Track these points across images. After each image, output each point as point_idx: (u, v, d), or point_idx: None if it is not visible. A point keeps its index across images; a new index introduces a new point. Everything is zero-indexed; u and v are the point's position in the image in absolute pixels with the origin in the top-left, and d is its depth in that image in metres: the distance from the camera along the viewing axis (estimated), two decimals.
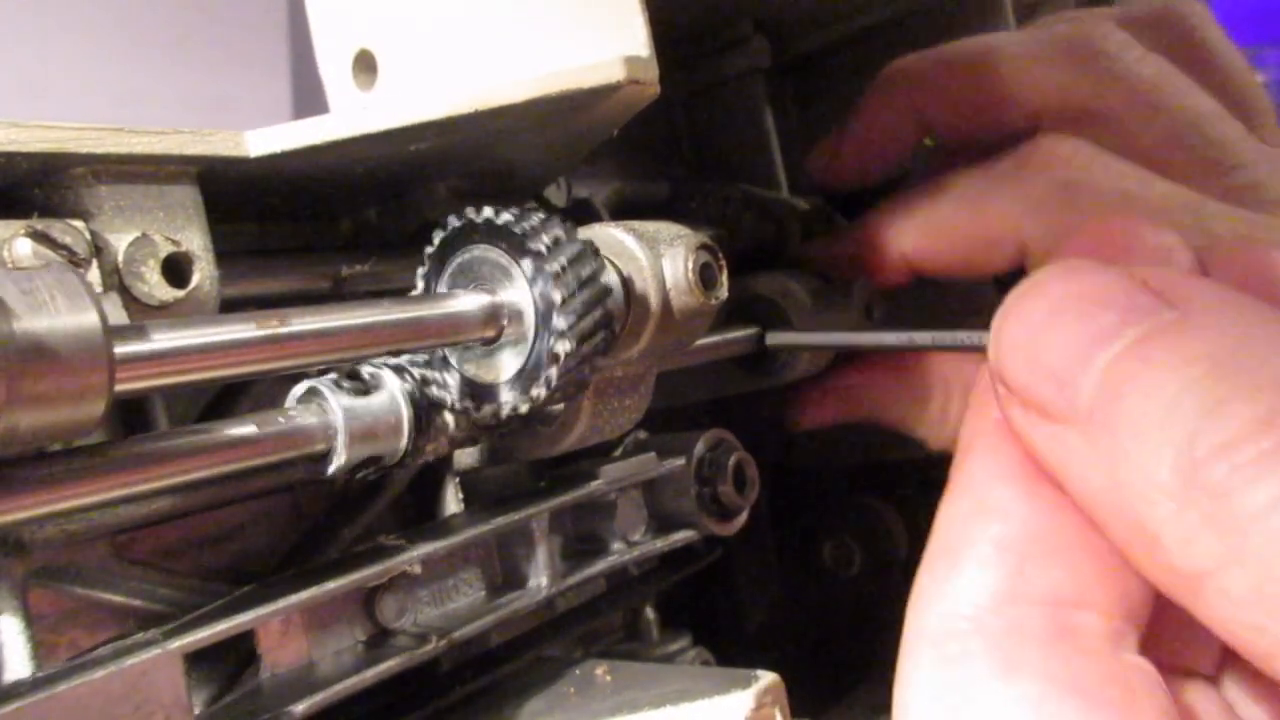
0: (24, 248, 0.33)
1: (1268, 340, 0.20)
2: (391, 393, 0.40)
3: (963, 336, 0.35)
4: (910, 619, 0.25)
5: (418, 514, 0.52)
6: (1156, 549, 0.20)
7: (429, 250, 0.41)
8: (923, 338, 0.37)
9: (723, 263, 0.48)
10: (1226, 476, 0.19)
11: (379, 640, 0.44)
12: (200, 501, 0.42)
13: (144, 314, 0.37)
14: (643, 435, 0.59)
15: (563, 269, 0.38)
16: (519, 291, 0.39)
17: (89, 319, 0.27)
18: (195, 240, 0.39)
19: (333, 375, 0.40)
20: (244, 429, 0.35)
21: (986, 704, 0.21)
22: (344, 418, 0.38)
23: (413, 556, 0.44)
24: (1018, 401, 0.24)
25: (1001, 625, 0.22)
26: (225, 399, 0.47)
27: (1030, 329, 0.23)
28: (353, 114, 0.41)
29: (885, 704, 0.27)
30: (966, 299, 0.71)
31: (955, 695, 0.22)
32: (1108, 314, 0.22)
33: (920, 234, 0.57)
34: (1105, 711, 0.20)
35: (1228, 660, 0.24)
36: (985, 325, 0.25)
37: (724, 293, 0.48)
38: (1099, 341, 0.22)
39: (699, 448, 0.59)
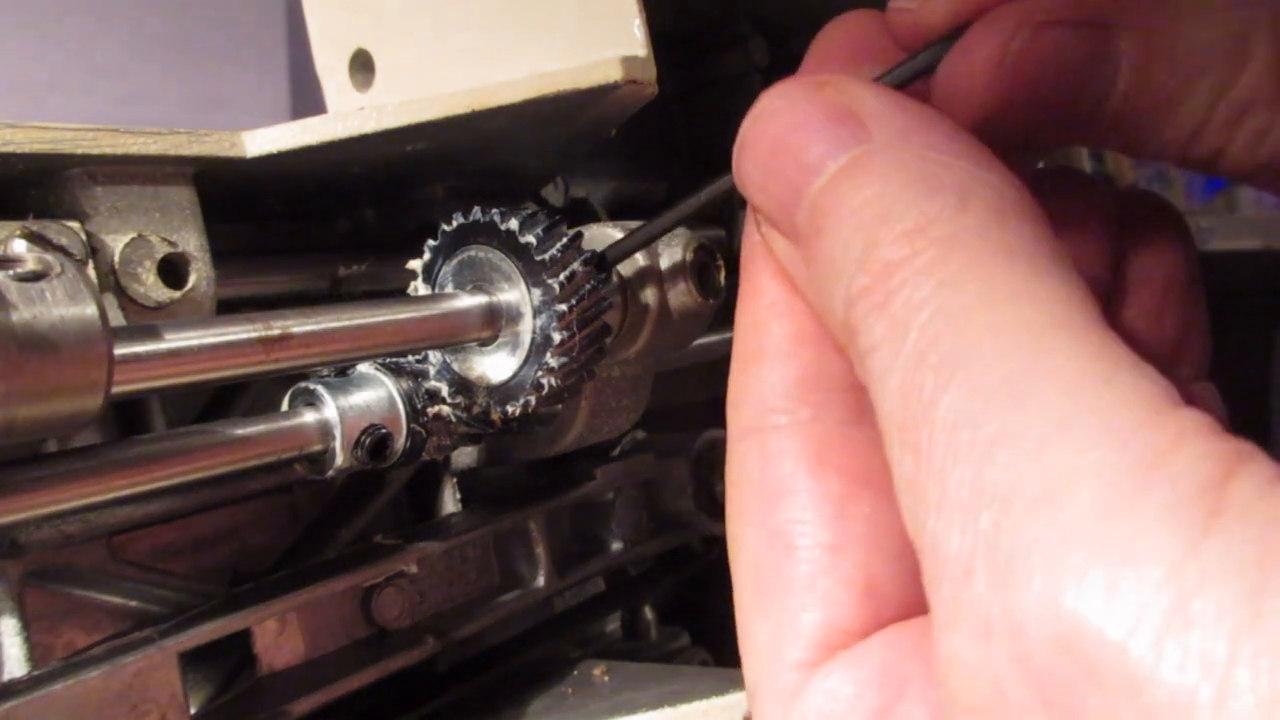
0: (19, 249, 0.33)
1: (927, 182, 0.22)
2: (388, 393, 0.40)
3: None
4: (730, 416, 0.27)
5: (415, 514, 0.52)
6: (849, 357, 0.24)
7: (431, 243, 0.41)
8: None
9: (720, 263, 0.48)
10: (861, 319, 0.22)
11: (376, 640, 0.44)
12: (197, 502, 0.42)
13: (140, 315, 0.37)
14: (641, 435, 0.59)
15: (565, 281, 0.38)
16: (518, 294, 0.39)
17: (88, 312, 0.27)
18: (192, 241, 0.38)
19: (330, 376, 0.40)
20: (241, 430, 0.35)
21: (799, 496, 0.25)
22: (341, 418, 0.38)
23: (409, 556, 0.44)
24: (761, 216, 0.27)
25: (809, 413, 0.26)
26: (222, 400, 0.47)
27: (759, 160, 0.26)
28: (350, 115, 0.41)
29: None
30: None
31: (773, 485, 0.25)
32: (815, 147, 0.24)
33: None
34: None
35: None
36: None
37: (722, 293, 0.48)
38: (808, 174, 0.24)
39: (696, 447, 0.59)
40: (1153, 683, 0.15)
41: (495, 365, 0.40)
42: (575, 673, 0.49)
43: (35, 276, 0.27)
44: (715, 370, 0.68)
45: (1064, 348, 0.19)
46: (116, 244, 0.36)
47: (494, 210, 0.39)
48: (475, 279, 0.41)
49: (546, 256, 0.39)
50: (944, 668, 0.19)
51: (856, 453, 0.25)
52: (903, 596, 0.24)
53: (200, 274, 0.38)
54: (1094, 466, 0.17)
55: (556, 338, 0.38)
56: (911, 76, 0.27)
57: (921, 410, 0.20)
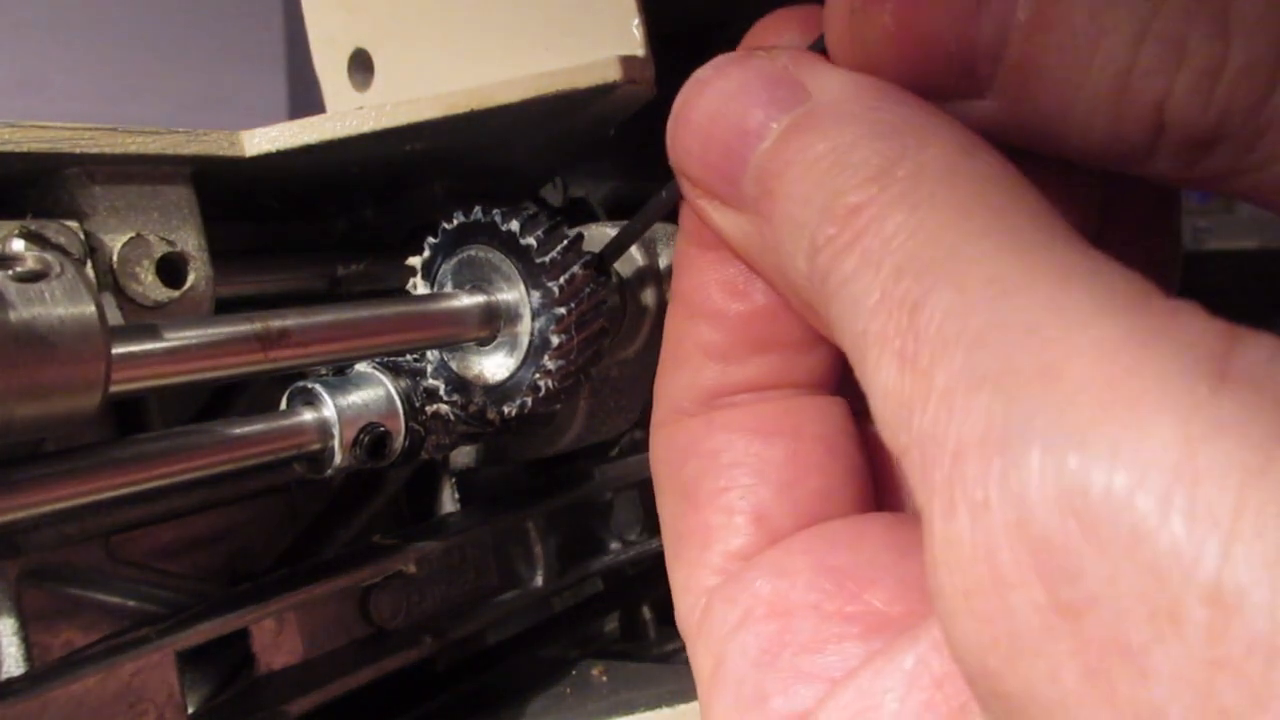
0: (18, 248, 0.33)
1: (880, 129, 0.22)
2: (387, 391, 0.40)
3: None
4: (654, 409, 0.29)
5: (414, 513, 0.52)
6: (813, 316, 0.24)
7: (431, 240, 0.41)
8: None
9: None
10: (830, 261, 0.21)
11: (374, 640, 0.44)
12: (195, 502, 0.42)
13: (138, 314, 0.37)
14: (639, 435, 0.59)
15: (565, 284, 0.38)
16: (517, 295, 0.39)
17: (86, 311, 0.27)
18: (190, 240, 0.38)
19: (328, 374, 0.40)
20: (239, 429, 0.35)
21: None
22: (340, 417, 0.38)
23: (408, 556, 0.44)
24: (700, 192, 0.26)
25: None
26: (221, 399, 0.47)
27: (696, 131, 0.26)
28: (348, 114, 0.41)
29: None
30: None
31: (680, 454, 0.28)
32: (755, 110, 0.24)
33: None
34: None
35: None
36: None
37: None
38: (750, 139, 0.24)
39: None
40: (1156, 536, 0.15)
41: (493, 365, 0.40)
42: (573, 673, 0.49)
43: (33, 276, 0.27)
44: None
45: (1047, 247, 0.19)
46: (115, 243, 0.36)
47: (495, 210, 0.39)
48: (474, 278, 0.41)
49: (547, 259, 0.39)
50: (936, 557, 0.18)
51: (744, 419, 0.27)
52: (795, 522, 0.26)
53: (198, 273, 0.38)
54: (1092, 341, 0.17)
55: (555, 341, 0.38)
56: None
57: (906, 316, 0.19)
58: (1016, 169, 0.21)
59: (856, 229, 0.21)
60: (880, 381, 0.20)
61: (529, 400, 0.39)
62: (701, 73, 0.26)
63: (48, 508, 0.30)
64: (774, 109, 0.24)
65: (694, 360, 0.28)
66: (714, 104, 0.25)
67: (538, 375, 0.39)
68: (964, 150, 0.21)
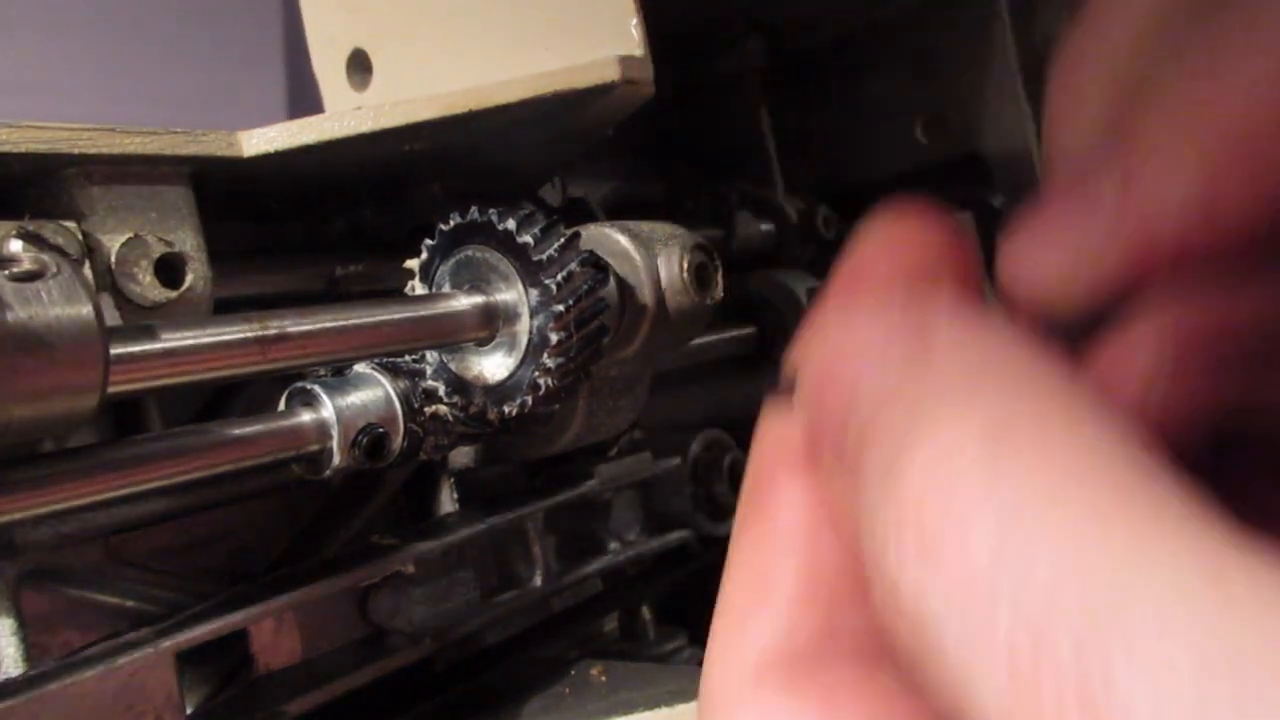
0: (15, 249, 0.33)
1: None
2: (385, 392, 0.40)
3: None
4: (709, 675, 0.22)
5: (413, 514, 0.52)
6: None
7: (428, 242, 0.41)
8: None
9: (718, 263, 0.48)
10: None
11: (373, 640, 0.44)
12: (194, 502, 0.42)
13: (137, 315, 0.37)
14: (638, 435, 0.59)
15: (562, 282, 0.38)
16: (515, 294, 0.39)
17: (84, 312, 0.27)
18: (188, 240, 0.38)
19: (327, 375, 0.40)
20: (238, 430, 0.35)
21: None
22: (338, 418, 0.38)
23: (406, 556, 0.44)
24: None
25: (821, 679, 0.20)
26: (220, 400, 0.47)
27: (809, 378, 0.22)
28: (347, 114, 0.41)
29: None
30: None
31: None
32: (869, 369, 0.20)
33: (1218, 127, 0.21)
34: None
35: None
36: None
37: (719, 292, 0.48)
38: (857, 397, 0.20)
39: (694, 448, 0.59)
40: None
41: (492, 365, 0.40)
42: (572, 673, 0.49)
43: (31, 276, 0.27)
44: (713, 370, 0.69)
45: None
46: (113, 244, 0.36)
47: (491, 210, 0.39)
48: (472, 279, 0.41)
49: (544, 256, 0.39)
50: None
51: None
52: None
53: (197, 274, 0.38)
54: None
55: (553, 338, 0.38)
56: None
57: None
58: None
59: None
60: None
61: (529, 399, 0.39)
62: (823, 316, 0.22)
63: (46, 508, 0.30)
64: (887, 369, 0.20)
65: (788, 596, 0.22)
66: (828, 354, 0.22)
67: (537, 374, 0.39)
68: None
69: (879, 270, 0.24)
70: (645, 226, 0.47)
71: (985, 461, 0.17)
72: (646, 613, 0.62)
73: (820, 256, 0.73)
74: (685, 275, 0.45)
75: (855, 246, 0.24)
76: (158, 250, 0.37)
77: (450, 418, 0.42)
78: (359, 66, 0.52)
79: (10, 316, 0.25)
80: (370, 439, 0.38)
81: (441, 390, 0.41)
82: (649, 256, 0.45)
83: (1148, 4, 0.22)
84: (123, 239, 0.36)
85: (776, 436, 0.24)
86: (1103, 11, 0.23)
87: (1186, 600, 0.15)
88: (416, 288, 0.42)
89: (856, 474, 0.19)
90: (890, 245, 0.24)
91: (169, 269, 0.38)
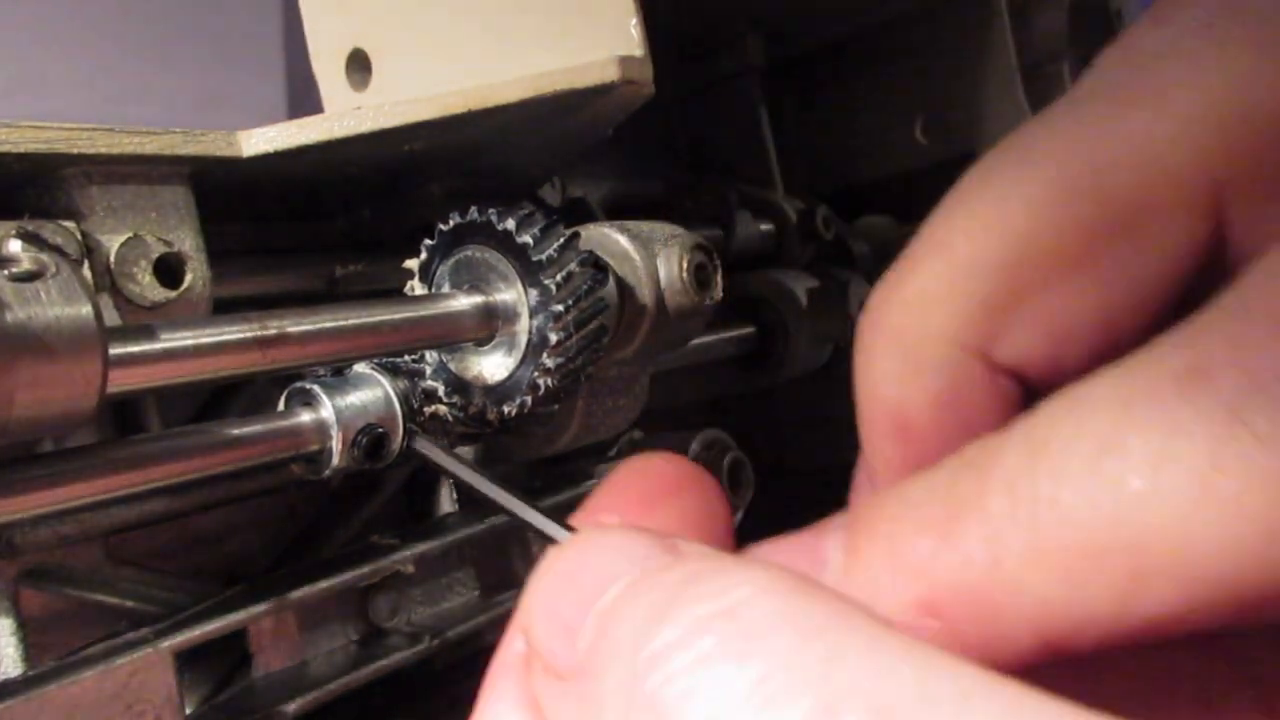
0: (15, 249, 0.33)
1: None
2: (385, 392, 0.40)
3: (548, 526, 0.30)
4: None
5: (412, 514, 0.52)
6: None
7: (428, 243, 0.41)
8: (520, 508, 0.31)
9: (717, 263, 0.48)
10: None
11: (372, 639, 0.44)
12: (193, 503, 0.42)
13: (136, 315, 0.37)
14: (638, 435, 0.59)
15: (562, 282, 0.38)
16: (514, 294, 0.39)
17: (83, 312, 0.27)
18: (187, 240, 0.38)
19: (326, 375, 0.40)
20: (237, 430, 0.35)
21: None
22: (338, 418, 0.38)
23: (406, 556, 0.44)
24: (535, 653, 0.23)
25: None
26: (219, 400, 0.47)
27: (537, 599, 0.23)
28: (346, 114, 0.41)
29: None
30: None
31: None
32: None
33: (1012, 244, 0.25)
34: None
35: None
36: None
37: (718, 293, 0.48)
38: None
39: (694, 448, 0.59)
40: None
41: (492, 365, 0.40)
42: None
43: (30, 276, 0.27)
44: (712, 370, 0.69)
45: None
46: (112, 244, 0.36)
47: (491, 210, 0.39)
48: (472, 279, 0.41)
49: (543, 256, 0.39)
50: None
51: None
52: None
53: (196, 274, 0.38)
54: None
55: (553, 338, 0.38)
56: None
57: None
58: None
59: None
60: None
61: (528, 399, 0.39)
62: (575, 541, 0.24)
63: (45, 508, 0.30)
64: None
65: None
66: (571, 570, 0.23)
67: (537, 374, 0.39)
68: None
69: (626, 497, 0.26)
70: (645, 226, 0.47)
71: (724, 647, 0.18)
72: None
73: (820, 256, 0.73)
74: (685, 275, 0.45)
75: (601, 485, 0.26)
76: (157, 250, 0.37)
77: (450, 418, 0.42)
78: (358, 67, 0.52)
79: (9, 316, 0.25)
80: (370, 439, 0.38)
81: (441, 390, 0.41)
82: (649, 256, 0.45)
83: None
84: (122, 239, 0.36)
85: (505, 652, 0.26)
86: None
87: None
88: (416, 288, 0.42)
89: (586, 670, 0.20)
90: (633, 478, 0.26)
91: (168, 269, 0.38)
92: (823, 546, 0.22)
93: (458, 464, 0.35)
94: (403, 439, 0.40)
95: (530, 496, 0.32)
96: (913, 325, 0.25)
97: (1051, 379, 0.24)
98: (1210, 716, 0.22)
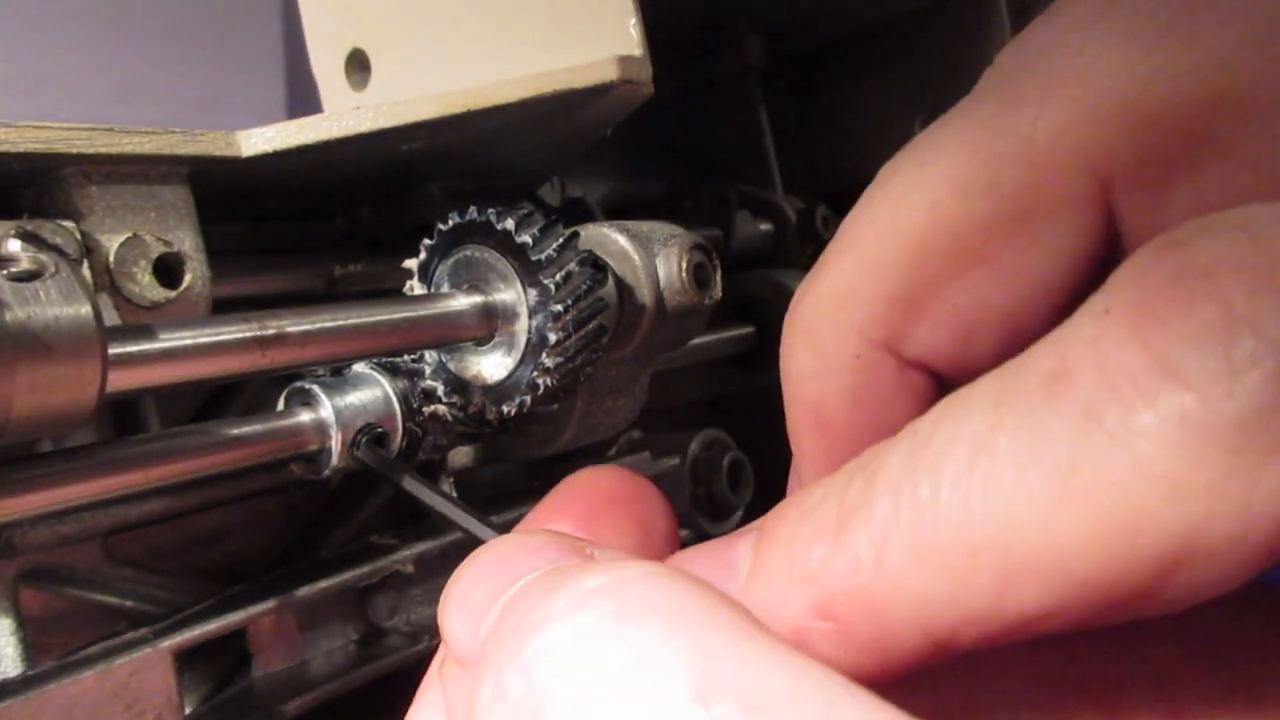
0: (14, 248, 0.33)
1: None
2: (384, 392, 0.40)
3: (483, 532, 0.31)
4: None
5: (411, 513, 0.52)
6: None
7: (427, 242, 0.41)
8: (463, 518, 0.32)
9: (716, 262, 0.48)
10: None
11: (371, 639, 0.44)
12: (193, 502, 0.42)
13: (135, 314, 0.37)
14: (637, 435, 0.59)
15: (561, 282, 0.38)
16: (514, 294, 0.39)
17: (82, 311, 0.27)
18: (187, 240, 0.38)
19: (325, 375, 0.40)
20: (237, 430, 0.35)
21: None
22: (337, 418, 0.38)
23: (405, 556, 0.44)
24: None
25: None
26: (218, 399, 0.47)
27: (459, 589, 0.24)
28: (345, 114, 0.41)
29: None
30: None
31: None
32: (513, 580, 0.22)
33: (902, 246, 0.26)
34: None
35: None
36: None
37: (718, 292, 0.48)
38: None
39: (693, 447, 0.59)
40: None
41: (491, 365, 0.40)
42: None
43: (30, 276, 0.27)
44: (712, 370, 0.69)
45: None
46: (111, 243, 0.36)
47: (490, 210, 0.39)
48: (471, 279, 0.40)
49: (543, 256, 0.39)
50: None
51: None
52: None
53: (195, 273, 0.38)
54: None
55: (552, 338, 0.38)
56: None
57: None
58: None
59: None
60: None
61: (528, 399, 0.39)
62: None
63: (44, 508, 0.30)
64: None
65: None
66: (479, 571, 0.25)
67: (536, 373, 0.39)
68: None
69: (567, 508, 0.27)
70: (644, 226, 0.47)
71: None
72: None
73: (819, 256, 0.73)
74: (684, 275, 0.45)
75: (546, 497, 0.27)
76: (156, 250, 0.37)
77: (449, 417, 0.42)
78: (358, 66, 0.52)
79: (9, 316, 0.25)
80: (369, 439, 0.38)
81: (440, 390, 0.41)
82: (648, 256, 0.45)
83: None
84: (121, 239, 0.36)
85: (439, 655, 0.27)
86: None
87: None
88: (415, 287, 0.42)
89: (479, 655, 0.21)
90: (576, 490, 0.27)
91: (168, 269, 0.38)
92: (734, 554, 0.22)
93: (402, 473, 0.36)
94: (402, 438, 0.40)
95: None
96: (824, 322, 0.26)
97: (962, 374, 0.25)
98: (1112, 711, 0.23)
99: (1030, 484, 0.17)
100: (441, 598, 0.24)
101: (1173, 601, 0.18)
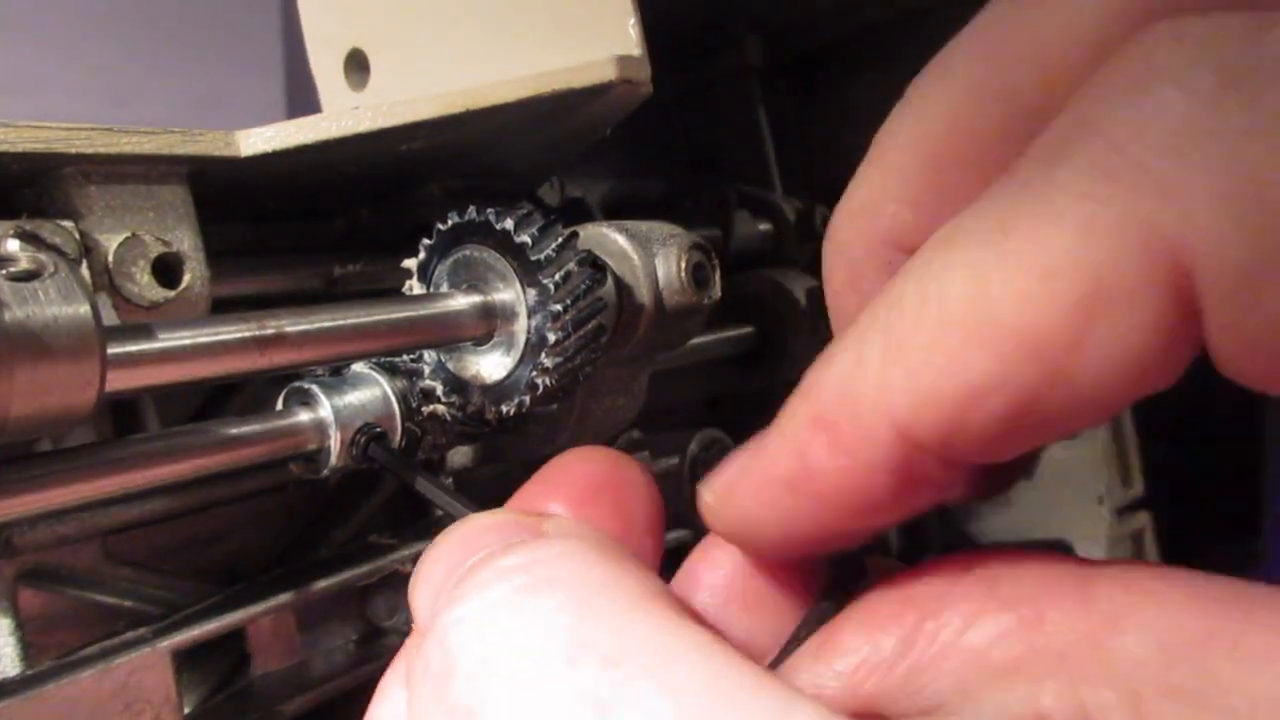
0: (13, 248, 0.33)
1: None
2: (383, 392, 0.40)
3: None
4: None
5: (411, 513, 0.52)
6: None
7: (426, 242, 0.41)
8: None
9: (715, 262, 0.48)
10: None
11: (371, 639, 0.44)
12: (192, 502, 0.42)
13: (134, 314, 0.37)
14: (636, 434, 0.59)
15: (560, 282, 0.38)
16: (513, 294, 0.39)
17: (81, 311, 0.27)
18: (186, 240, 0.38)
19: (324, 375, 0.40)
20: (236, 429, 0.35)
21: None
22: (336, 417, 0.38)
23: (404, 555, 0.44)
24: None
25: None
26: (217, 399, 0.47)
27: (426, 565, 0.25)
28: (344, 114, 0.41)
29: None
30: None
31: None
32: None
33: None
34: None
35: None
36: None
37: (717, 292, 0.48)
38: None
39: (693, 447, 0.59)
40: None
41: (490, 365, 0.40)
42: None
43: (28, 276, 0.27)
44: (711, 369, 0.69)
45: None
46: (110, 243, 0.36)
47: (489, 210, 0.39)
48: (470, 278, 0.40)
49: (542, 256, 0.39)
50: None
51: None
52: None
53: (194, 273, 0.38)
54: None
55: (551, 338, 0.38)
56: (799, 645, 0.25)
57: None
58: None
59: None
60: None
61: (527, 399, 0.39)
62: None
63: (43, 508, 0.30)
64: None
65: None
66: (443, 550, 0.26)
67: (535, 373, 0.39)
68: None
69: (553, 489, 0.28)
70: (643, 226, 0.47)
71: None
72: None
73: (818, 256, 0.73)
74: (683, 275, 0.45)
75: (533, 477, 0.29)
76: (155, 250, 0.37)
77: (448, 417, 0.42)
78: (357, 66, 0.52)
79: (7, 316, 0.25)
80: (368, 438, 0.38)
81: (439, 390, 0.41)
82: (647, 256, 0.45)
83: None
84: (120, 238, 0.36)
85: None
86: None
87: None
88: (414, 287, 0.42)
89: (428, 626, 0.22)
90: (562, 471, 0.29)
91: (166, 268, 0.38)
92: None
93: (414, 471, 0.36)
94: (401, 438, 0.40)
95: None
96: (854, 234, 0.28)
97: None
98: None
99: (971, 257, 0.20)
100: (414, 572, 0.26)
101: (1093, 374, 0.19)
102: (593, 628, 0.19)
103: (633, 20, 0.42)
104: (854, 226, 0.27)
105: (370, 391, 0.39)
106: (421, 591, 0.24)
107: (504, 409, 0.40)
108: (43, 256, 0.28)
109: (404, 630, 0.45)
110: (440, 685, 0.20)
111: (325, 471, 0.38)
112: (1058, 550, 0.26)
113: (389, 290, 0.45)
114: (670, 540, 0.58)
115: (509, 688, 0.18)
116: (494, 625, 0.20)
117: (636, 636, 0.19)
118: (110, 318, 0.36)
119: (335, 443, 0.38)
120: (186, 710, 0.37)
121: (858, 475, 0.22)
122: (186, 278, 0.38)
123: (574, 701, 0.18)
